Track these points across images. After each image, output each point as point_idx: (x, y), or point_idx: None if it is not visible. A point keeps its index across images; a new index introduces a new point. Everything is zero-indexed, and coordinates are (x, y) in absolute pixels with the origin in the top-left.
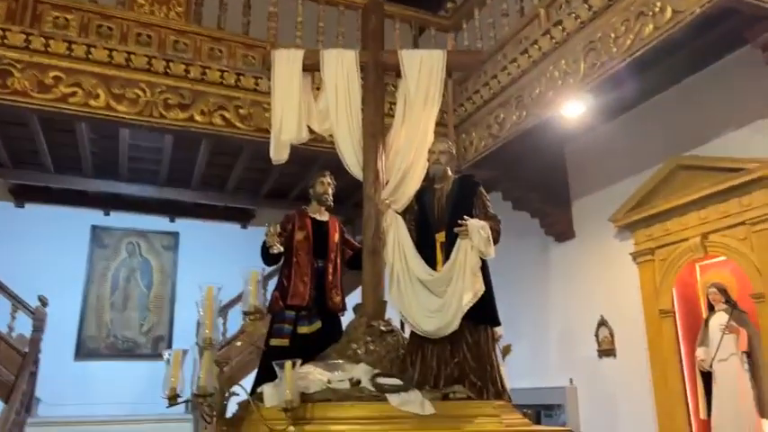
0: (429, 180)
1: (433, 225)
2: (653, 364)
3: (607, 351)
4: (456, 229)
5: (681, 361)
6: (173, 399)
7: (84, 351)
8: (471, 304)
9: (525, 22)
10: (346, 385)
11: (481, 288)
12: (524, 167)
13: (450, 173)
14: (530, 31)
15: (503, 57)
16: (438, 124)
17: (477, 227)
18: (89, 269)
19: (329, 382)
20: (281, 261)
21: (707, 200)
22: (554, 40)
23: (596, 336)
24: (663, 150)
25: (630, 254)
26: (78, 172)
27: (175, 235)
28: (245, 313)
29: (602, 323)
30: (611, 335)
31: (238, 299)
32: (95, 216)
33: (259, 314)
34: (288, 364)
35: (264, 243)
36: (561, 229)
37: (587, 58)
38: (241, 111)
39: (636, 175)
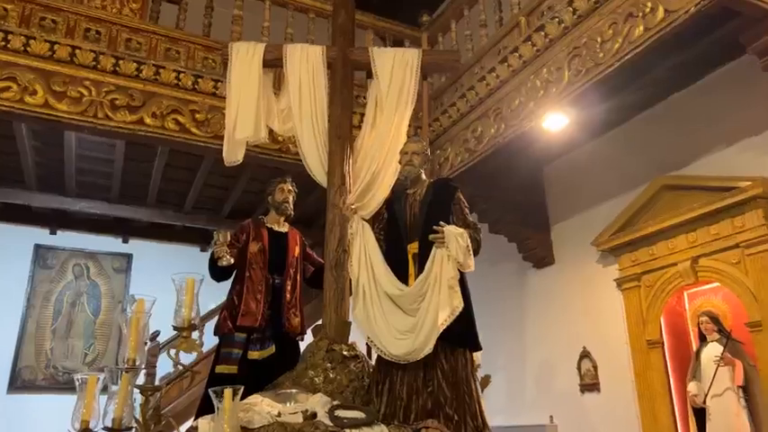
0: (400, 185)
1: (405, 235)
2: (641, 399)
3: (590, 385)
4: (431, 237)
5: (671, 396)
6: None
7: (18, 383)
8: (448, 323)
9: (505, 31)
10: (299, 419)
11: (459, 305)
12: (502, 188)
13: (424, 176)
14: (509, 41)
15: (480, 68)
16: (411, 127)
17: (455, 234)
18: (30, 292)
19: (279, 414)
20: (233, 276)
21: (696, 221)
22: (535, 48)
23: (578, 369)
24: (648, 170)
25: (615, 280)
26: (21, 185)
27: (128, 257)
28: (177, 329)
29: (585, 355)
30: (595, 368)
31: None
32: (40, 234)
33: (194, 330)
34: (227, 392)
35: (212, 254)
36: (540, 255)
37: (571, 65)
38: (197, 116)
39: (619, 196)
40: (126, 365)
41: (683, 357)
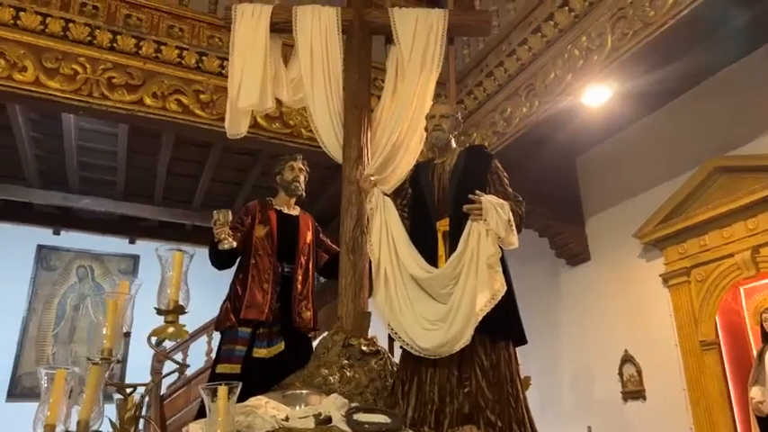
0: (426, 157)
1: (433, 210)
2: (695, 407)
3: (634, 393)
4: (466, 208)
5: (730, 403)
6: None
7: (18, 390)
8: (488, 310)
9: (535, 3)
10: (310, 424)
11: (502, 287)
12: (531, 179)
13: (454, 144)
14: (542, 10)
15: (508, 44)
16: (437, 95)
17: (494, 204)
18: (31, 295)
19: (286, 419)
20: (236, 264)
21: (756, 206)
22: (573, 13)
23: (620, 374)
24: (698, 152)
25: (660, 275)
26: (21, 181)
27: (135, 258)
28: (160, 312)
29: (627, 359)
30: (639, 373)
31: (204, 329)
32: (43, 235)
33: (181, 313)
34: (221, 390)
35: (213, 238)
36: (575, 251)
37: (615, 29)
38: (202, 96)
39: (664, 183)
40: (99, 357)
41: (742, 360)
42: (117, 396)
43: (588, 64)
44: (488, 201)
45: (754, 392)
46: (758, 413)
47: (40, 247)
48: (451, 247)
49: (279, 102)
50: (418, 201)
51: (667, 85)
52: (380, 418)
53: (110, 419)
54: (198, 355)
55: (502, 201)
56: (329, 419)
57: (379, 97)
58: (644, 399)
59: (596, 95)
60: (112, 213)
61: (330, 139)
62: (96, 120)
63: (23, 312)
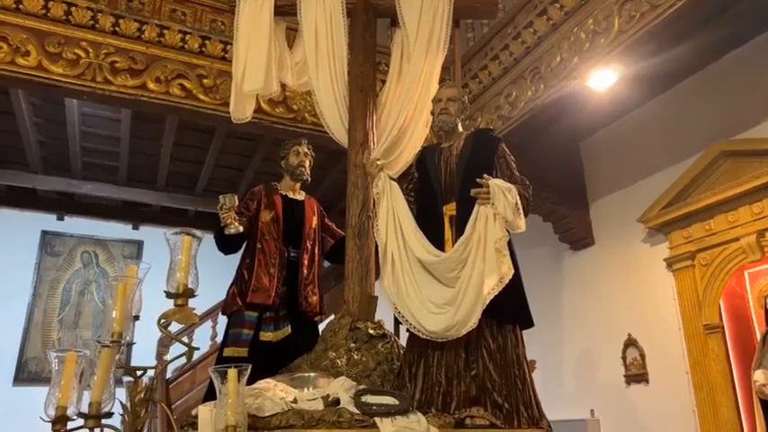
0: (432, 141)
1: (440, 195)
2: (698, 390)
3: (637, 376)
4: (474, 191)
5: (733, 386)
6: (59, 423)
7: (24, 375)
8: (495, 293)
9: None
10: (319, 405)
11: (509, 271)
12: (535, 164)
13: (461, 128)
14: None
15: (513, 27)
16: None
17: (502, 188)
18: (36, 280)
19: (295, 401)
20: (243, 248)
21: (763, 190)
22: None
23: (623, 358)
24: (703, 136)
25: (665, 260)
26: (25, 167)
27: (139, 244)
28: (170, 295)
29: (631, 343)
30: (642, 357)
31: (210, 313)
32: (47, 220)
33: (190, 296)
34: (231, 372)
35: (219, 222)
36: (578, 235)
37: (623, 11)
38: (205, 81)
39: (669, 167)
40: (109, 340)
41: (745, 344)
42: (126, 379)
43: (594, 47)
44: (496, 184)
45: (758, 375)
46: (761, 396)
47: (44, 233)
48: (458, 232)
49: (282, 86)
50: (425, 185)
51: (673, 69)
52: (388, 400)
53: (121, 402)
54: (203, 340)
55: (509, 184)
56: (337, 401)
57: (384, 81)
58: (647, 382)
59: (602, 79)
60: (115, 199)
61: (335, 123)
62: (99, 105)
63: (28, 298)
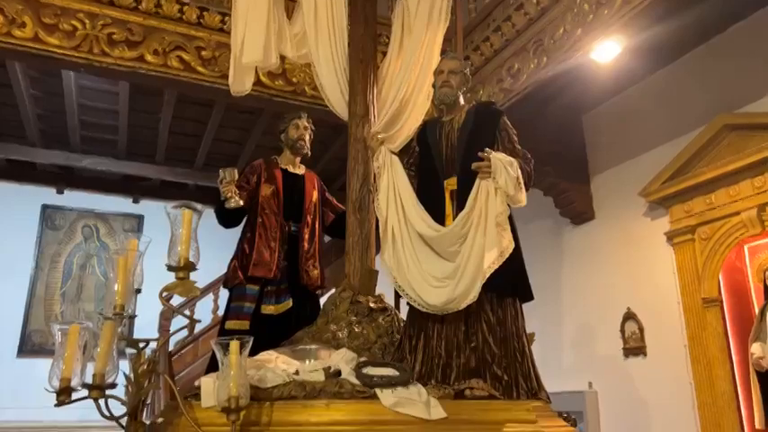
0: (433, 114)
1: (441, 169)
2: (695, 363)
3: (635, 349)
4: (475, 165)
5: (731, 360)
6: (63, 393)
7: (28, 347)
8: (496, 267)
9: None
10: (320, 377)
11: (510, 245)
12: (537, 138)
13: (462, 101)
14: None
15: None
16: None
17: (503, 162)
18: (38, 254)
19: (297, 373)
20: (243, 222)
21: (765, 164)
22: None
23: (622, 332)
24: (707, 109)
25: (665, 234)
26: (23, 140)
27: (140, 218)
28: (171, 268)
29: (630, 317)
30: (641, 330)
31: (211, 287)
32: (47, 194)
33: (192, 269)
34: (233, 344)
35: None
36: (579, 209)
37: None
38: (203, 53)
39: (672, 141)
40: (112, 313)
41: (744, 318)
42: (129, 351)
43: (598, 18)
44: (497, 158)
45: (755, 348)
46: (758, 368)
47: (45, 207)
48: (459, 206)
49: (282, 58)
50: (426, 159)
51: (677, 41)
52: (389, 372)
53: (124, 373)
54: (205, 313)
55: (511, 158)
56: (339, 373)
57: (384, 53)
58: (645, 355)
59: (606, 51)
60: (115, 173)
61: (335, 96)
62: (97, 77)
63: (30, 271)
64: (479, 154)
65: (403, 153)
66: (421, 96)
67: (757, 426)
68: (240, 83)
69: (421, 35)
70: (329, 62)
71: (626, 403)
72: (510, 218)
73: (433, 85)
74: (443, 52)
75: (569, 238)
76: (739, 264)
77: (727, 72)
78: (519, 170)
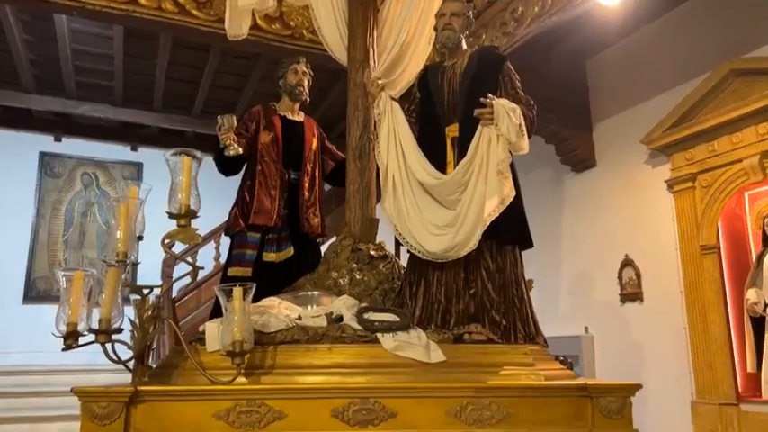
0: (435, 59)
1: (443, 115)
2: (690, 309)
3: (632, 295)
4: (477, 112)
5: (726, 305)
6: (70, 338)
7: (33, 294)
8: (496, 215)
9: None
10: (322, 322)
11: (511, 193)
12: (539, 84)
13: (464, 45)
14: None
15: None
16: None
17: (506, 109)
18: (38, 202)
19: (299, 318)
20: (243, 170)
21: None
22: None
23: (619, 278)
24: (712, 55)
25: (666, 181)
26: (18, 86)
27: (139, 166)
28: (172, 216)
29: (627, 263)
30: (638, 276)
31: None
32: (44, 142)
33: (193, 217)
34: (236, 290)
35: (219, 144)
36: (581, 157)
37: None
38: None
39: (676, 87)
40: (115, 259)
41: (741, 265)
42: (134, 297)
43: None
44: (500, 105)
45: (750, 294)
46: (752, 314)
47: (43, 155)
48: (461, 153)
49: (279, 0)
50: (427, 105)
51: None
52: (390, 317)
53: (130, 318)
54: (207, 260)
55: (513, 105)
56: (340, 318)
57: None
58: (641, 300)
59: None
60: (113, 120)
61: (334, 40)
62: (90, 21)
63: (32, 219)
64: (482, 100)
65: (404, 99)
66: (422, 40)
67: (749, 369)
68: (237, 26)
69: None
70: (327, 4)
71: (621, 347)
72: (511, 165)
73: (435, 29)
74: None
75: (570, 185)
76: (739, 211)
77: (736, 16)
78: (522, 117)
